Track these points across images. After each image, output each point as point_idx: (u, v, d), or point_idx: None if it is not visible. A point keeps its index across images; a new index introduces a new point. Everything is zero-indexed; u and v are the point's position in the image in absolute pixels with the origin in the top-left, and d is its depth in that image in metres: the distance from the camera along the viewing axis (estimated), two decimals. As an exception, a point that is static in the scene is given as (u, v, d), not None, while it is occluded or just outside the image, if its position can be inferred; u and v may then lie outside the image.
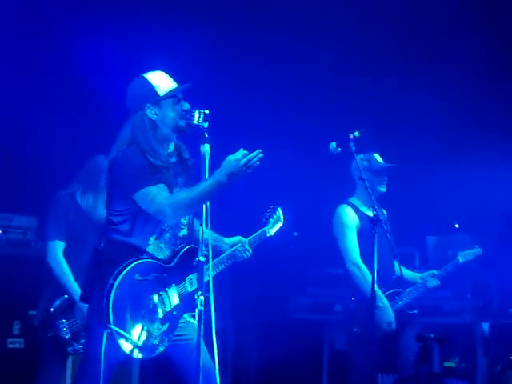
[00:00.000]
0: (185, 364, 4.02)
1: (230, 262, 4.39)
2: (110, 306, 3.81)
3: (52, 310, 5.16)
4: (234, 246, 4.41)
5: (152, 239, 4.04)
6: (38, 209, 5.96)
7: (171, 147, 4.20)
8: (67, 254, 5.25)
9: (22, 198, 6.47)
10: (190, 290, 4.07)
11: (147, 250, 4.02)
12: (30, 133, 6.44)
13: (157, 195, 3.92)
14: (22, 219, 6.28)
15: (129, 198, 3.99)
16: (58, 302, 5.18)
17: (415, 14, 7.19)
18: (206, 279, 3.76)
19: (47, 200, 5.41)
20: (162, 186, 3.97)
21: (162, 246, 4.08)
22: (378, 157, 5.73)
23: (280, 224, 4.75)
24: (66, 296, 5.19)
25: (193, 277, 4.05)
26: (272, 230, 4.68)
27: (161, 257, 4.06)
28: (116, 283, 3.84)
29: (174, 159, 4.20)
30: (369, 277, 5.39)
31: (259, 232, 4.58)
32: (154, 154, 4.03)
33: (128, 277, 3.88)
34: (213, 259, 4.15)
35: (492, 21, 7.10)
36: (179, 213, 3.97)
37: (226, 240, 4.44)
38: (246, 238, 4.50)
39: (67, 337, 5.15)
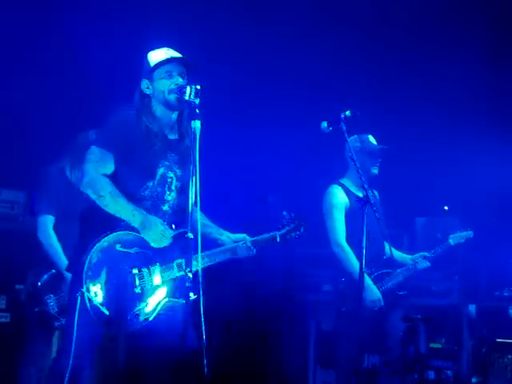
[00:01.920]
0: (166, 334, 3.97)
1: (228, 256, 4.28)
2: (85, 269, 3.80)
3: (39, 284, 5.15)
4: (236, 242, 4.32)
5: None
6: (25, 183, 5.92)
7: (171, 121, 4.17)
8: (57, 229, 5.22)
9: (9, 171, 6.42)
10: (177, 274, 4.03)
11: None
12: (17, 106, 6.38)
13: (92, 158, 3.96)
14: (9, 193, 6.24)
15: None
16: (45, 277, 5.16)
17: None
18: (195, 269, 3.73)
19: (35, 174, 5.38)
20: (105, 152, 3.97)
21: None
22: (371, 138, 5.72)
23: (297, 234, 4.53)
24: (53, 271, 5.17)
25: (182, 261, 3.99)
26: (284, 238, 4.48)
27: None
28: (94, 248, 3.83)
29: (173, 136, 4.19)
30: (352, 258, 5.42)
31: (269, 235, 4.43)
32: (148, 119, 4.06)
33: (107, 245, 3.88)
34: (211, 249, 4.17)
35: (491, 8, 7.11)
36: (87, 190, 3.95)
37: (231, 235, 4.35)
38: (252, 237, 4.37)
39: (54, 311, 5.14)
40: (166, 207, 4.14)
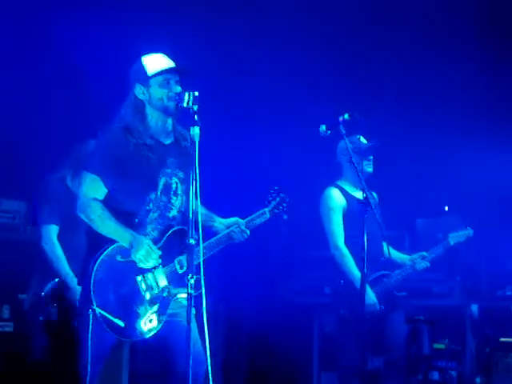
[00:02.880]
0: (175, 345, 4.04)
1: (225, 243, 4.31)
2: (91, 287, 3.86)
3: (43, 294, 5.15)
4: (230, 227, 4.34)
5: (137, 220, 4.05)
6: (26, 193, 5.93)
7: (168, 127, 4.19)
8: (61, 238, 5.23)
9: (10, 181, 6.43)
10: (180, 271, 4.07)
11: (133, 228, 4.01)
12: (18, 116, 6.40)
13: (89, 185, 4.04)
14: (10, 203, 6.25)
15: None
16: (49, 286, 5.17)
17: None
18: (196, 262, 3.77)
19: (36, 184, 5.39)
20: (95, 177, 4.02)
21: (149, 225, 4.08)
22: (362, 138, 5.71)
23: (283, 207, 4.56)
24: (56, 280, 5.17)
25: (182, 258, 4.06)
26: (273, 212, 4.51)
27: (146, 236, 4.04)
28: (96, 264, 3.89)
29: (169, 141, 4.20)
30: (350, 260, 5.43)
31: (258, 213, 4.45)
32: (137, 133, 4.06)
33: (108, 258, 3.93)
34: (208, 240, 4.18)
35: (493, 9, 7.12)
36: (80, 214, 4.07)
37: (223, 221, 4.38)
38: (243, 219, 4.40)
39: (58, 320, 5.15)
40: (173, 213, 4.17)
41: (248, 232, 4.37)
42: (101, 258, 3.91)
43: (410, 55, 7.34)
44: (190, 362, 3.66)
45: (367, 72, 7.44)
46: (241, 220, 4.38)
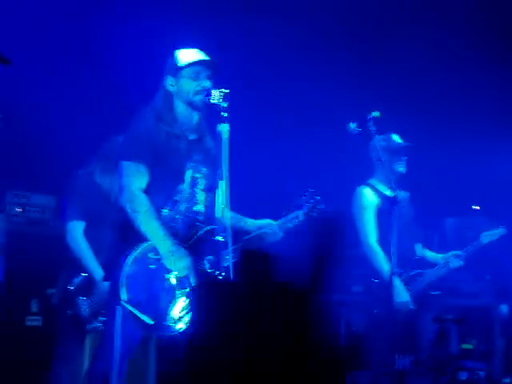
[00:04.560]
0: None
1: (256, 244, 4.27)
2: (123, 283, 3.86)
3: (71, 288, 5.17)
4: (261, 228, 4.30)
5: (166, 211, 4.05)
6: (56, 187, 5.96)
7: (193, 122, 4.18)
8: (87, 234, 5.25)
9: (40, 176, 6.47)
10: (209, 270, 4.05)
11: (161, 219, 4.02)
12: (48, 111, 6.43)
13: (132, 177, 3.96)
14: (40, 197, 6.28)
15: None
16: (77, 281, 5.19)
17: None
18: (226, 264, 3.77)
19: (65, 178, 5.41)
20: (138, 165, 3.97)
21: (178, 216, 4.08)
22: (395, 137, 5.69)
23: (318, 209, 4.52)
24: (84, 274, 5.20)
25: (212, 258, 4.04)
26: (307, 215, 4.47)
27: (173, 229, 4.05)
28: (128, 261, 3.88)
29: (193, 137, 4.19)
30: (383, 259, 5.39)
31: (291, 215, 4.40)
32: (168, 122, 4.07)
33: (141, 255, 3.92)
34: (239, 240, 4.18)
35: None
36: (125, 204, 3.96)
37: (256, 222, 4.33)
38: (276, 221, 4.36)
39: (86, 314, 5.16)
40: (199, 207, 4.17)
41: (281, 234, 4.33)
42: (134, 254, 3.90)
43: (443, 57, 7.31)
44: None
45: (396, 72, 7.40)
46: (273, 222, 4.34)
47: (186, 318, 3.98)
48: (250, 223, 4.33)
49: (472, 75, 7.32)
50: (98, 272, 5.12)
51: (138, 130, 4.05)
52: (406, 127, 5.98)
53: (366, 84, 7.35)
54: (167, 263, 3.93)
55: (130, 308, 3.85)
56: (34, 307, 6.06)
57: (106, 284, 4.86)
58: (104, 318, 5.12)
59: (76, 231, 5.24)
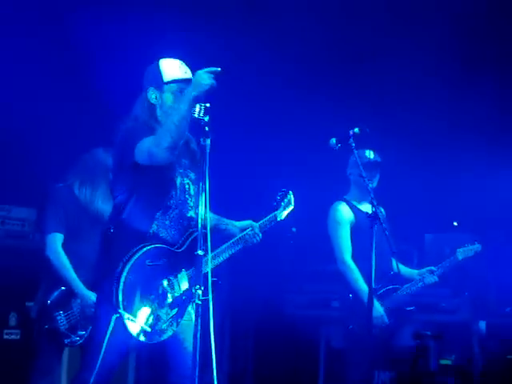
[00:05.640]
0: (172, 355, 4.07)
1: (240, 246, 4.32)
2: (120, 291, 3.83)
3: (49, 301, 5.15)
4: (244, 229, 4.36)
5: (158, 214, 4.05)
6: (36, 200, 5.94)
7: None
8: (66, 247, 5.23)
9: (20, 189, 6.45)
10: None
11: (153, 225, 4.02)
12: (28, 123, 6.42)
13: (146, 141, 3.93)
14: (20, 210, 6.27)
15: (130, 168, 3.99)
16: (55, 294, 5.16)
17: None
18: (205, 271, 3.79)
19: (46, 192, 5.40)
20: (153, 136, 3.96)
21: (168, 223, 4.08)
22: (367, 152, 5.70)
23: (291, 208, 4.67)
24: (63, 288, 5.17)
25: (203, 262, 4.04)
26: (283, 214, 4.60)
27: (166, 236, 4.05)
28: (126, 269, 3.87)
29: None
30: (358, 275, 5.43)
31: (269, 216, 4.50)
32: (154, 130, 4.05)
33: (138, 262, 3.91)
34: (223, 243, 4.24)
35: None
36: (164, 144, 3.87)
37: (237, 224, 4.40)
38: (256, 222, 4.43)
39: (64, 328, 5.14)
40: (191, 213, 4.18)
41: (261, 235, 4.39)
42: (130, 262, 3.88)
43: (423, 70, 7.35)
44: (196, 373, 3.68)
45: (378, 86, 7.44)
46: (254, 223, 4.41)
47: (174, 324, 4.00)
48: (232, 225, 4.40)
49: (454, 93, 7.38)
50: (77, 284, 5.11)
51: (127, 130, 4.07)
52: (386, 144, 6.02)
53: (349, 98, 7.38)
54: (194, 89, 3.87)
55: (128, 315, 3.83)
56: (13, 321, 6.03)
57: (91, 296, 4.90)
58: (83, 332, 5.12)
59: (55, 243, 5.22)
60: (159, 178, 4.05)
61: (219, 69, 3.89)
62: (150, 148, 3.91)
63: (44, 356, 5.19)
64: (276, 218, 4.55)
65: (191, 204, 4.18)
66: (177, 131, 3.86)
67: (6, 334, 6.00)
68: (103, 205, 5.22)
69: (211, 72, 3.87)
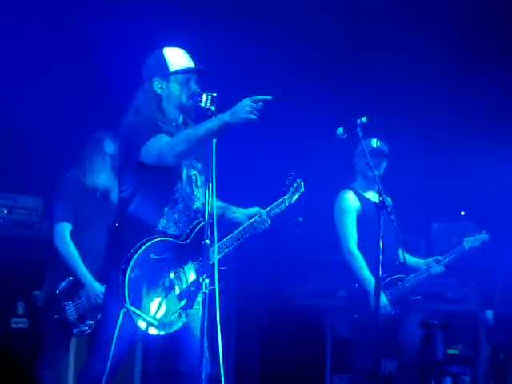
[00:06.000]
0: (183, 345, 4.09)
1: (248, 233, 4.32)
2: (126, 285, 3.84)
3: (57, 291, 5.16)
4: (252, 217, 4.36)
5: (166, 209, 4.05)
6: (43, 190, 5.95)
7: (179, 121, 4.20)
8: (74, 236, 5.24)
9: (27, 178, 6.45)
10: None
11: (162, 220, 4.03)
12: (36, 112, 6.41)
13: (157, 141, 3.92)
14: (27, 200, 6.26)
15: (136, 164, 3.98)
16: (63, 284, 5.18)
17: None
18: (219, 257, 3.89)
19: (53, 181, 5.41)
20: (163, 135, 3.95)
21: (176, 216, 4.09)
22: (373, 141, 5.69)
23: (301, 191, 4.66)
24: (71, 278, 5.19)
25: (210, 251, 4.04)
26: (293, 198, 4.60)
27: (174, 230, 4.06)
28: (131, 263, 3.87)
29: None
30: (363, 264, 5.43)
31: (278, 201, 4.51)
32: (159, 121, 4.06)
33: (143, 256, 3.91)
34: (231, 232, 4.25)
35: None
36: (177, 150, 3.86)
37: (244, 211, 4.40)
38: (264, 209, 4.43)
39: (73, 318, 5.16)
40: (197, 204, 4.19)
41: (269, 221, 4.39)
42: (136, 255, 3.88)
43: (430, 60, 7.33)
44: (204, 363, 3.69)
45: (385, 75, 7.41)
46: (262, 210, 4.40)
47: (183, 315, 4.01)
48: (239, 213, 4.40)
49: (461, 82, 7.36)
50: (85, 274, 5.12)
51: (134, 126, 4.04)
52: (394, 133, 6.00)
53: (356, 87, 7.36)
54: (232, 117, 3.81)
55: (135, 310, 3.84)
56: (20, 309, 6.04)
57: (99, 286, 4.91)
58: (91, 322, 5.14)
59: (64, 233, 5.23)
60: (165, 173, 4.04)
61: (270, 97, 3.81)
62: (162, 149, 3.88)
63: (52, 345, 5.21)
64: (286, 202, 4.54)
65: (198, 195, 4.19)
66: (195, 145, 3.85)
67: (14, 322, 6.01)
68: (108, 184, 5.24)
69: (260, 100, 3.80)
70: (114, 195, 5.10)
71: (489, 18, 7.11)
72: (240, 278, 7.56)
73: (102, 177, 5.28)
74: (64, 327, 5.16)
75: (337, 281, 6.67)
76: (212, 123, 3.81)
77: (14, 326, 6.00)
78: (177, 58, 4.14)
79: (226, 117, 3.80)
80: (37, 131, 6.42)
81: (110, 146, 5.32)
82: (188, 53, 4.21)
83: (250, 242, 4.45)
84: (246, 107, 3.78)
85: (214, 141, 3.81)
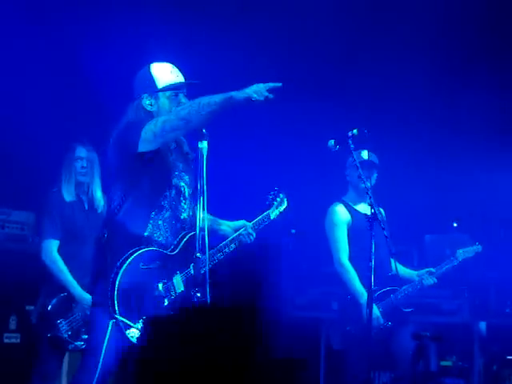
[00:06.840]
0: None
1: (234, 246, 4.34)
2: (115, 296, 3.85)
3: (49, 307, 5.13)
4: (237, 230, 4.39)
5: (153, 214, 4.05)
6: (35, 204, 5.94)
7: None
8: (64, 250, 5.23)
9: (20, 192, 6.45)
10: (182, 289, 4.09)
11: (148, 225, 4.03)
12: (28, 128, 6.41)
13: (156, 120, 3.95)
14: (19, 214, 6.27)
15: (131, 162, 3.99)
16: (54, 301, 5.14)
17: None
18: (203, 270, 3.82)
19: (43, 196, 5.40)
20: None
21: (161, 223, 4.08)
22: (363, 153, 5.69)
23: (284, 207, 4.70)
24: (62, 294, 5.16)
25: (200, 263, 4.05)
26: (276, 213, 4.64)
27: (159, 237, 4.06)
28: (120, 273, 3.87)
29: (173, 146, 4.21)
30: (355, 277, 5.43)
31: (263, 215, 4.56)
32: None
33: (132, 266, 3.91)
34: (217, 244, 4.25)
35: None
36: (181, 113, 3.90)
37: (230, 224, 4.43)
38: (249, 221, 4.47)
39: (67, 335, 5.12)
40: (184, 215, 4.18)
41: (254, 235, 4.43)
42: (124, 266, 3.89)
43: (422, 72, 7.34)
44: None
45: (377, 88, 7.43)
46: (248, 223, 4.44)
47: None
48: (226, 225, 4.42)
49: (452, 94, 7.38)
50: (74, 286, 5.11)
51: (125, 128, 4.06)
52: (386, 144, 6.01)
53: (347, 100, 7.37)
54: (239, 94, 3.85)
55: (125, 320, 3.84)
56: (13, 324, 6.02)
57: (89, 298, 4.89)
58: (86, 336, 5.11)
59: (51, 249, 5.22)
60: (156, 178, 4.06)
61: (280, 84, 3.88)
62: (167, 119, 3.90)
63: (45, 362, 5.18)
64: (269, 217, 4.59)
65: (185, 207, 4.19)
66: (197, 112, 3.85)
67: (6, 337, 5.99)
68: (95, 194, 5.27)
69: (272, 88, 3.86)
70: (102, 205, 5.15)
71: (478, 31, 7.14)
72: (232, 289, 7.54)
73: (79, 184, 5.28)
74: (58, 345, 5.13)
75: (330, 293, 6.67)
76: (216, 95, 3.85)
77: (6, 340, 5.99)
78: (164, 73, 4.14)
79: (231, 92, 3.84)
80: (29, 146, 6.43)
81: (81, 151, 5.33)
82: (176, 66, 4.21)
83: (244, 254, 4.46)
84: (253, 87, 3.83)
85: (205, 153, 3.82)
